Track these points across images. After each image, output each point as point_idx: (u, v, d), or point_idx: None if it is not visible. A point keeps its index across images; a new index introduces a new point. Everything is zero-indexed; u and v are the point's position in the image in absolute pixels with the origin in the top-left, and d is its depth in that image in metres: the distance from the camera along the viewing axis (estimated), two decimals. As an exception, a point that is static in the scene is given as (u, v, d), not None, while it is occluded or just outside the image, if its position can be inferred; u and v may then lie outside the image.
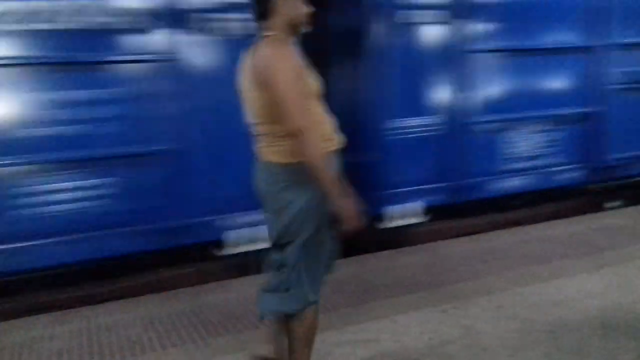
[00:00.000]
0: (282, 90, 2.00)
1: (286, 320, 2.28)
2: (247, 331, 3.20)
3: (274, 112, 2.06)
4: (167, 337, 3.18)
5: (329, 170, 2.09)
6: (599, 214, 5.56)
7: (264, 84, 2.04)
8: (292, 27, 2.16)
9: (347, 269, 4.13)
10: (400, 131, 4.71)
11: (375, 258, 4.44)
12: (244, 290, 3.81)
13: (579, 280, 3.72)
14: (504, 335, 3.01)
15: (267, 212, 2.28)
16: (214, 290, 3.88)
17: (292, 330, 2.27)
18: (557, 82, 5.50)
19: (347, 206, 2.07)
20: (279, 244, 2.23)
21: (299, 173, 2.10)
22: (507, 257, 4.34)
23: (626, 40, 5.60)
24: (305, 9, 2.17)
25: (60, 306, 3.79)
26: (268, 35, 2.14)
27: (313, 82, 2.15)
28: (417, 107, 4.80)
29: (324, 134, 2.14)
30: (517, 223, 5.39)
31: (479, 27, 4.98)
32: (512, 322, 3.16)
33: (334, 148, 2.20)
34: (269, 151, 2.18)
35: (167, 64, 3.79)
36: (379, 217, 4.76)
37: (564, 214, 5.68)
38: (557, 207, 5.90)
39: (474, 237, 4.94)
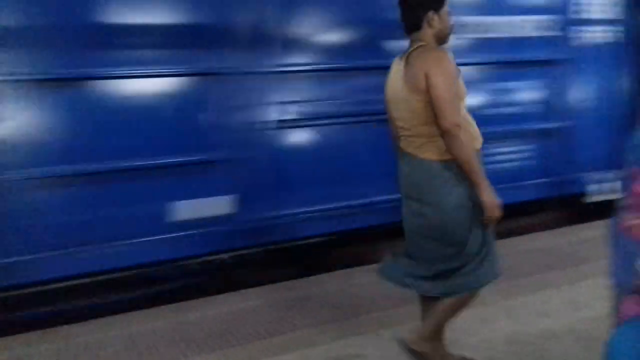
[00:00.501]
0: (440, 92, 2.27)
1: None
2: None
3: (430, 113, 2.32)
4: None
5: (479, 166, 2.34)
6: (579, 226, 5.61)
7: (425, 86, 2.30)
8: (442, 38, 2.47)
9: (332, 283, 4.10)
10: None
11: (359, 272, 4.41)
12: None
13: (564, 292, 3.73)
14: (489, 347, 3.00)
15: (418, 205, 2.47)
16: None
17: (454, 302, 2.51)
18: (522, 96, 5.40)
19: (493, 198, 2.35)
20: (439, 238, 2.43)
21: (452, 169, 2.36)
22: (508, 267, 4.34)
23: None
24: (452, 22, 2.49)
25: (41, 324, 3.71)
26: (421, 45, 2.40)
27: (463, 86, 2.43)
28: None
29: (472, 133, 2.42)
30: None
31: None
32: (497, 333, 3.15)
33: (479, 146, 2.45)
34: (424, 149, 2.41)
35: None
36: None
37: (543, 227, 5.71)
38: (535, 220, 5.92)
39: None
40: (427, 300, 2.64)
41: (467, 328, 3.23)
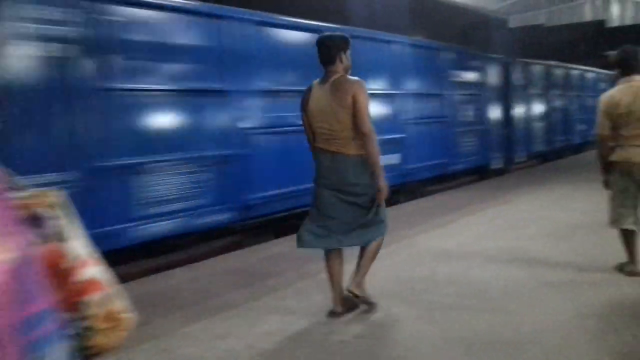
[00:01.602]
0: (362, 107, 3.36)
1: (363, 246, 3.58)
2: None
3: (352, 122, 3.36)
4: None
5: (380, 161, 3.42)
6: (270, 242, 5.93)
7: (351, 103, 3.34)
8: (347, 70, 3.51)
9: None
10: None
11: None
12: None
13: (246, 310, 3.82)
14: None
15: (338, 193, 3.48)
16: None
17: (368, 251, 3.58)
18: (201, 124, 5.52)
19: (386, 183, 3.44)
20: (356, 214, 3.49)
21: (363, 160, 3.43)
22: (178, 297, 4.24)
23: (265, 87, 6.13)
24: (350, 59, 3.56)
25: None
26: (342, 75, 3.46)
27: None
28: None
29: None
30: (169, 267, 5.10)
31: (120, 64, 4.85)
32: (178, 363, 3.03)
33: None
34: (347, 148, 3.42)
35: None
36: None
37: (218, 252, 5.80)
38: (210, 247, 6.04)
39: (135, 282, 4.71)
40: (334, 260, 3.60)
41: (148, 358, 3.03)
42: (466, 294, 3.94)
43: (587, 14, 11.67)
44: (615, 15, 11.20)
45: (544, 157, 14.91)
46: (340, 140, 3.41)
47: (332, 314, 3.59)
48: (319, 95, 3.46)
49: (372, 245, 3.57)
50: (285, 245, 5.85)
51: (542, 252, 4.96)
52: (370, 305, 3.65)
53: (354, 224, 3.50)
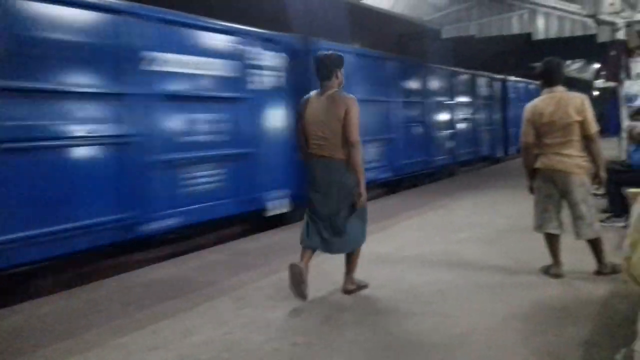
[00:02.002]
0: (353, 120, 3.85)
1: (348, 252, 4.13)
2: None
3: (342, 131, 3.86)
4: None
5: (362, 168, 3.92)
6: (204, 251, 5.82)
7: (343, 115, 3.85)
8: (340, 85, 4.04)
9: None
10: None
11: None
12: None
13: (178, 320, 3.73)
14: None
15: (327, 193, 3.99)
16: None
17: (353, 256, 4.14)
18: (220, 126, 6.37)
19: (365, 190, 3.94)
20: (340, 208, 3.97)
21: (348, 165, 3.89)
22: (109, 307, 4.09)
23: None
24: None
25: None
26: (336, 90, 3.99)
27: None
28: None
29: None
30: (98, 277, 4.96)
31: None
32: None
33: None
34: (337, 153, 3.91)
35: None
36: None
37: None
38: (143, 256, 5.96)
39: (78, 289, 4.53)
40: (308, 254, 4.08)
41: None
42: (401, 298, 3.99)
43: (515, 27, 12.15)
44: (541, 28, 11.72)
45: (487, 161, 15.68)
46: (331, 147, 3.94)
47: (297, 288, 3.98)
48: (317, 106, 4.00)
49: (353, 254, 4.16)
50: (221, 253, 5.77)
51: (474, 255, 5.11)
52: (364, 287, 4.24)
53: (337, 229, 4.01)
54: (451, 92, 13.59)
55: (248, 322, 3.63)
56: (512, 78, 18.27)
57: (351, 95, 3.96)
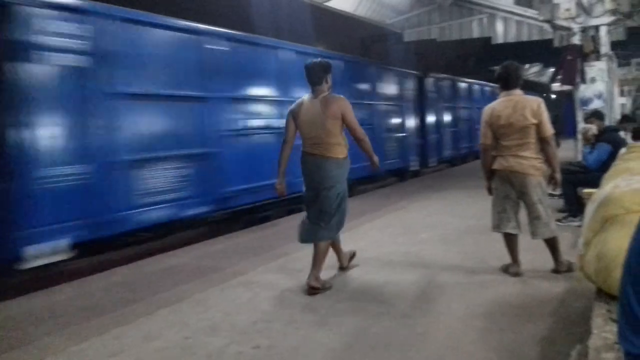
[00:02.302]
0: (352, 119, 4.31)
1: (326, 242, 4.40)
2: None
3: (338, 131, 4.30)
4: None
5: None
6: (161, 255, 5.74)
7: (340, 116, 4.26)
8: (330, 89, 4.43)
9: None
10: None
11: None
12: None
13: (139, 325, 3.67)
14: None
15: (320, 187, 4.31)
16: None
17: (320, 247, 4.36)
18: (184, 126, 6.52)
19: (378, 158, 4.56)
20: (333, 204, 4.33)
21: (345, 163, 4.36)
22: (67, 313, 4.00)
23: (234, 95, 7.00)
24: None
25: None
26: (328, 93, 4.38)
27: None
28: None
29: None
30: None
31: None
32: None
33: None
34: (330, 152, 4.29)
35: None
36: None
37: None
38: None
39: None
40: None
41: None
42: (363, 299, 4.02)
43: (475, 31, 12.40)
44: (500, 32, 11.99)
45: (451, 162, 15.94)
46: (324, 145, 4.29)
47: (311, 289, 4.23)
48: (309, 108, 4.33)
49: (322, 246, 4.36)
50: (183, 256, 5.70)
51: (435, 255, 5.18)
52: (329, 288, 4.32)
53: (320, 219, 4.35)
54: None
55: (210, 325, 3.60)
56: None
57: (341, 96, 4.40)
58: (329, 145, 4.29)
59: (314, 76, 4.35)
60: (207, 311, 3.89)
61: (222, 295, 4.26)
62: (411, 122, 13.20)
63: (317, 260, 4.31)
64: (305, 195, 4.48)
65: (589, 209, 2.89)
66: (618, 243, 2.59)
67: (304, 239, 4.46)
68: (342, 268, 4.82)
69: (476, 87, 18.81)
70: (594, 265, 2.76)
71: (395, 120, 12.35)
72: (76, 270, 5.34)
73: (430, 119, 14.61)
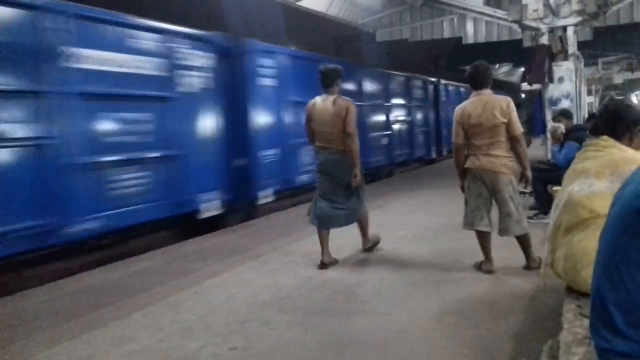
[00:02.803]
0: (352, 118, 4.81)
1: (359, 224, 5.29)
2: None
3: (342, 127, 4.81)
4: None
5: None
6: (132, 259, 5.66)
7: (344, 115, 4.79)
8: (339, 92, 5.01)
9: None
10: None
11: None
12: None
13: (111, 328, 3.61)
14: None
15: (332, 177, 4.97)
16: None
17: (361, 223, 5.29)
18: (146, 128, 6.25)
19: (361, 173, 4.93)
20: (344, 193, 4.99)
21: (347, 155, 4.87)
22: (37, 317, 3.91)
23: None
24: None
25: None
26: (338, 96, 4.94)
27: None
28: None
29: None
30: (24, 287, 4.68)
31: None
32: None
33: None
34: (338, 145, 4.87)
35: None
36: None
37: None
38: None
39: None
40: (326, 234, 5.05)
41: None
42: (339, 298, 4.03)
43: (446, 31, 12.54)
44: (470, 33, 12.15)
45: (425, 162, 16.18)
46: (335, 140, 4.90)
47: (322, 265, 4.91)
48: (322, 108, 4.93)
49: (361, 222, 5.27)
50: (154, 259, 5.63)
51: (410, 254, 5.22)
52: (377, 243, 5.49)
53: (340, 206, 5.01)
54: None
55: (185, 327, 3.56)
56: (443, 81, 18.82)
57: (349, 99, 5.05)
58: (339, 140, 4.88)
59: (327, 80, 4.94)
60: (181, 313, 3.85)
61: (196, 297, 4.22)
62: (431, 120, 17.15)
63: (363, 230, 5.33)
64: (320, 186, 5.08)
65: (552, 214, 2.95)
66: (584, 244, 2.65)
67: (323, 225, 5.03)
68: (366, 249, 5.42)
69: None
70: (562, 265, 2.82)
71: (423, 117, 16.32)
72: (46, 274, 5.23)
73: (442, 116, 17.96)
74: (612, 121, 2.85)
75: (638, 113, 2.89)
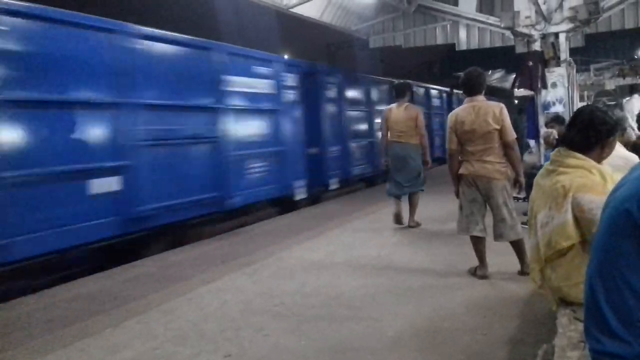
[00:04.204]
0: (421, 120, 6.87)
1: (411, 196, 6.93)
2: None
3: (414, 126, 6.78)
4: None
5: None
6: (125, 266, 5.62)
7: (415, 118, 6.79)
8: (410, 100, 7.13)
9: None
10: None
11: None
12: None
13: (105, 337, 3.58)
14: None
15: (404, 166, 6.84)
16: None
17: (415, 198, 6.95)
18: (265, 131, 8.46)
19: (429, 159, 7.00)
20: (411, 176, 6.87)
21: (417, 147, 6.90)
22: (31, 325, 3.88)
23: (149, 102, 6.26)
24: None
25: None
26: (409, 103, 6.97)
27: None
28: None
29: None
30: (19, 295, 4.66)
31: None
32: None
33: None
34: (411, 139, 6.81)
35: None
36: None
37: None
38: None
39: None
40: (398, 202, 6.85)
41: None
42: (333, 304, 4.02)
43: (439, 38, 12.58)
44: (463, 39, 12.19)
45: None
46: (405, 136, 6.76)
47: (397, 218, 6.81)
48: (397, 113, 6.82)
49: (416, 197, 6.92)
50: (147, 266, 5.61)
51: (404, 259, 5.22)
52: (419, 225, 6.83)
53: (409, 181, 6.82)
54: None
55: (179, 335, 3.54)
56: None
57: (418, 107, 7.10)
58: (408, 136, 6.73)
59: (400, 91, 6.92)
60: (175, 321, 3.83)
61: (189, 304, 4.20)
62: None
63: (413, 208, 6.83)
64: (393, 169, 6.89)
65: (539, 233, 2.87)
66: (575, 264, 2.61)
67: (395, 194, 6.89)
68: (410, 226, 6.79)
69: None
70: (555, 283, 2.75)
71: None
72: (40, 282, 5.19)
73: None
74: (584, 132, 2.73)
75: (613, 121, 2.77)
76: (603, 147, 2.74)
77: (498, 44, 11.98)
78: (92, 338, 3.56)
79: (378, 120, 12.39)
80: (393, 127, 6.80)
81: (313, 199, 9.98)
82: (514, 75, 10.25)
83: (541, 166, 7.33)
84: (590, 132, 2.73)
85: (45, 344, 3.49)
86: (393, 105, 6.94)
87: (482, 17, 11.35)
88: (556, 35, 9.25)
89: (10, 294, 4.68)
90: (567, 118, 8.53)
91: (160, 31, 6.58)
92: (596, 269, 1.48)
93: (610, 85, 23.94)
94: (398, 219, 6.76)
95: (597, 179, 2.64)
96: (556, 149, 2.92)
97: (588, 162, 2.70)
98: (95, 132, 5.62)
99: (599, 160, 2.77)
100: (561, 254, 2.68)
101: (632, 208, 1.37)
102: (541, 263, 2.80)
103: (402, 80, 7.00)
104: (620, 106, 13.43)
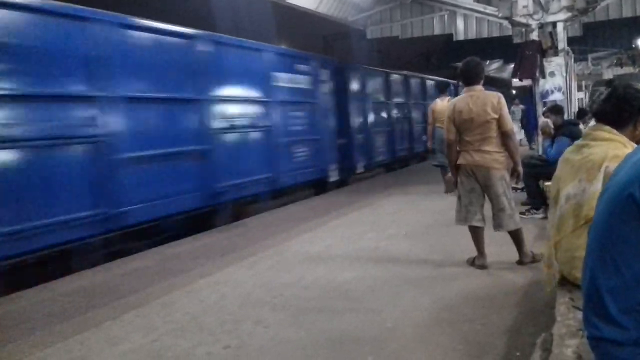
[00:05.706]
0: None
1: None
2: None
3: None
4: None
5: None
6: (125, 259, 5.62)
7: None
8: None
9: None
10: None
11: None
12: None
13: (103, 329, 3.59)
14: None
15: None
16: None
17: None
18: (305, 121, 9.81)
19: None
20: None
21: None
22: (31, 319, 3.88)
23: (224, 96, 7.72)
24: None
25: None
26: (447, 97, 8.76)
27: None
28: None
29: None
30: (18, 288, 4.67)
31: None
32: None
33: None
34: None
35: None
36: None
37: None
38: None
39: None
40: (445, 171, 7.34)
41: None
42: (332, 296, 4.02)
43: (437, 28, 12.54)
44: (461, 29, 12.16)
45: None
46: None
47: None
48: (442, 105, 7.79)
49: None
50: (147, 259, 5.60)
51: (402, 250, 5.22)
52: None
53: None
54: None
55: (178, 327, 3.55)
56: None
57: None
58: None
59: (443, 89, 8.52)
60: (174, 313, 3.83)
61: (188, 297, 4.20)
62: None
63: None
64: (438, 147, 8.01)
65: (564, 207, 2.84)
66: (583, 240, 2.61)
67: (441, 163, 7.94)
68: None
69: None
70: (562, 256, 2.77)
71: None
72: (39, 275, 5.19)
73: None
74: (618, 107, 2.69)
75: None
76: (636, 125, 2.70)
77: (496, 34, 11.96)
78: (92, 331, 3.56)
79: (396, 111, 14.60)
80: (438, 117, 8.21)
81: (341, 182, 11.30)
82: (512, 65, 10.23)
83: (539, 156, 7.36)
84: (624, 106, 2.69)
85: (46, 337, 3.49)
86: (437, 100, 8.79)
87: (479, 6, 11.31)
88: (554, 24, 9.23)
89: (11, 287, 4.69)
90: (565, 107, 8.55)
91: (237, 38, 8.26)
92: (595, 253, 1.47)
93: (608, 74, 23.93)
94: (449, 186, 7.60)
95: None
96: (589, 126, 2.90)
97: (621, 137, 2.68)
98: (187, 121, 6.92)
99: (632, 138, 2.72)
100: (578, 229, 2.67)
101: (635, 192, 1.37)
102: (559, 236, 2.78)
103: (443, 79, 8.33)
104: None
